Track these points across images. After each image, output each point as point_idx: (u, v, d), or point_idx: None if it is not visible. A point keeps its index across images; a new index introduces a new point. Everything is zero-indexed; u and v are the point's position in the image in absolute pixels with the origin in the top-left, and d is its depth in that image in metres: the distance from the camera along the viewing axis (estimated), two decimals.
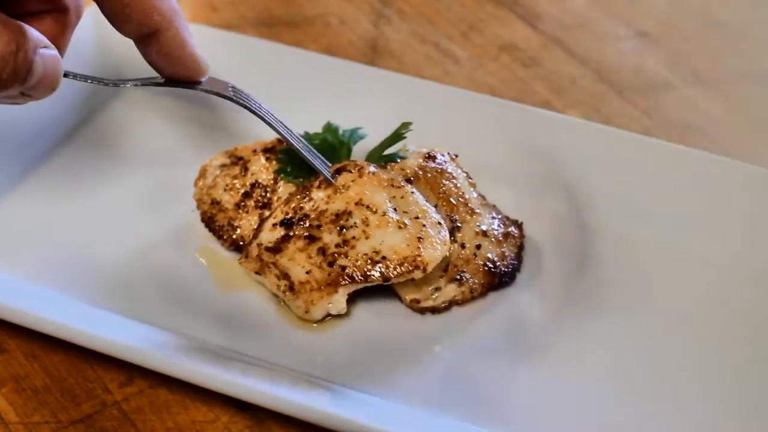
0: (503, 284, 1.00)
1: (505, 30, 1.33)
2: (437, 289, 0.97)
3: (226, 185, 1.04)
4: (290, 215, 0.96)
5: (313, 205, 0.96)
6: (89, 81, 0.93)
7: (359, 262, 0.93)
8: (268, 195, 1.02)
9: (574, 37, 1.32)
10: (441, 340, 0.95)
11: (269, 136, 1.07)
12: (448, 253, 0.95)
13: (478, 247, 1.00)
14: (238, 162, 1.05)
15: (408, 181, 0.99)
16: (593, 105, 1.23)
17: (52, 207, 1.05)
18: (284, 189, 1.02)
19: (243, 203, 1.02)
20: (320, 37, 1.30)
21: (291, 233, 0.95)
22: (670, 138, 1.18)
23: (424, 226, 0.94)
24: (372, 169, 0.97)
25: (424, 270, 0.93)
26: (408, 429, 0.85)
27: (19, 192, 1.06)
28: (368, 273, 0.92)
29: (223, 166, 1.06)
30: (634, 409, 0.91)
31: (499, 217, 1.03)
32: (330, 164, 1.00)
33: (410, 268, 0.93)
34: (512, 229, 1.03)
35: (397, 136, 1.02)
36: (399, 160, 1.01)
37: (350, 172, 0.97)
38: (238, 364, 0.90)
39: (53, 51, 0.85)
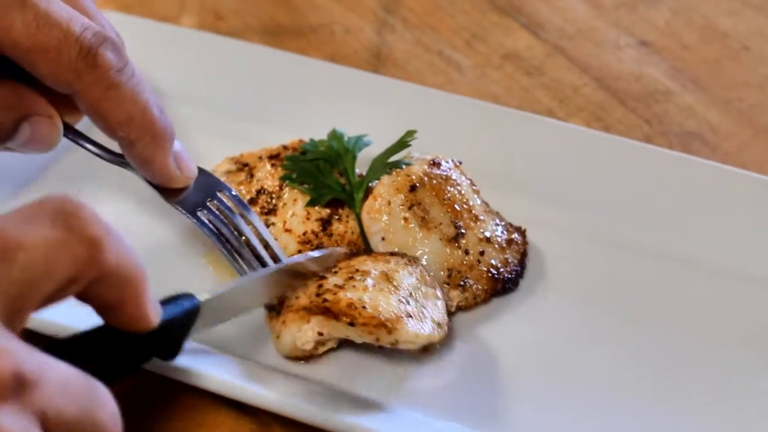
0: (507, 290, 1.01)
1: (508, 39, 1.34)
2: None
3: None
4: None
5: (349, 262, 0.96)
6: (93, 152, 0.98)
7: (341, 303, 0.90)
8: (273, 201, 1.03)
9: (577, 46, 1.33)
10: (445, 345, 0.96)
11: (274, 143, 1.08)
12: (427, 341, 0.91)
13: (482, 253, 1.00)
14: (244, 168, 1.06)
15: (413, 187, 1.00)
16: (595, 113, 1.23)
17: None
18: (289, 195, 1.03)
19: None
20: (324, 45, 1.31)
21: None
22: (671, 146, 1.19)
23: (423, 315, 0.92)
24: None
25: (390, 332, 0.89)
26: None
27: (25, 196, 1.07)
28: (341, 311, 0.90)
29: (229, 172, 1.06)
30: (638, 414, 0.92)
31: (503, 223, 1.04)
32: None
33: (379, 323, 0.89)
34: (515, 235, 1.04)
35: (401, 144, 1.03)
36: (404, 167, 1.02)
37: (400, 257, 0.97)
38: (242, 368, 0.91)
39: (48, 117, 0.92)
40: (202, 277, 1.01)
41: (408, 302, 0.92)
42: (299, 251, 1.00)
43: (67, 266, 0.68)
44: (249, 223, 0.99)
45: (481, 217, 1.02)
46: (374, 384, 0.92)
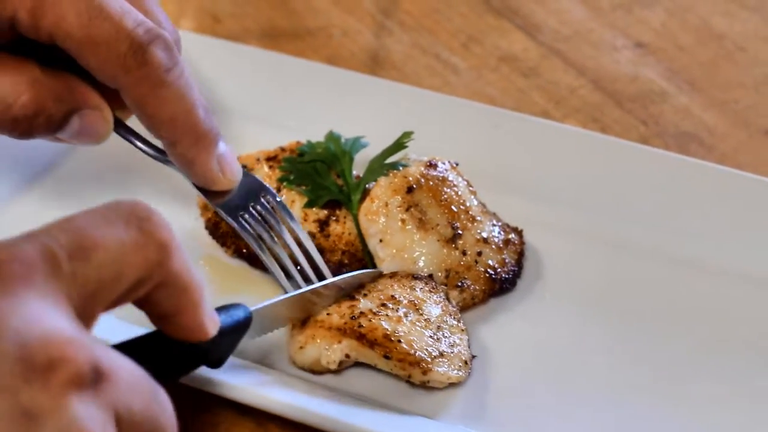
0: (504, 290, 1.01)
1: (504, 41, 1.34)
2: None
3: None
4: None
5: (375, 284, 0.97)
6: (141, 149, 0.97)
7: (377, 331, 0.91)
8: None
9: (573, 48, 1.33)
10: None
11: (272, 145, 1.08)
12: (455, 381, 0.92)
13: (479, 254, 1.01)
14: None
15: (410, 189, 1.01)
16: (591, 114, 1.24)
17: (55, 217, 1.06)
18: (287, 197, 1.03)
19: None
20: (322, 48, 1.32)
21: None
22: (667, 147, 1.19)
23: (453, 353, 0.93)
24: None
25: (424, 373, 0.91)
26: None
27: (21, 203, 1.07)
28: (378, 342, 0.91)
29: None
30: (636, 414, 0.92)
31: (500, 224, 1.04)
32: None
33: (414, 361, 0.90)
34: (512, 236, 1.04)
35: (398, 146, 1.04)
36: (401, 168, 1.02)
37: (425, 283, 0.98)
38: (240, 369, 0.91)
39: (99, 111, 0.92)
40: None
41: (439, 339, 0.93)
42: None
43: (138, 268, 0.69)
44: (291, 230, 0.99)
45: (478, 218, 1.03)
46: (372, 385, 0.93)
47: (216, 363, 0.84)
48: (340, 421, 0.85)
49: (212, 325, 0.77)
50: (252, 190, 0.99)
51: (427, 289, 0.96)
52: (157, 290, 0.72)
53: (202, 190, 0.97)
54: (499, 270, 1.01)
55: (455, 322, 0.95)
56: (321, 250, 1.01)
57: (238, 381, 0.87)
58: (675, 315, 1.01)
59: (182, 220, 1.05)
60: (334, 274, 0.99)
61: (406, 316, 0.93)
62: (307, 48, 1.31)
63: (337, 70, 1.21)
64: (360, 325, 0.91)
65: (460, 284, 0.99)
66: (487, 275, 1.01)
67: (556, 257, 1.05)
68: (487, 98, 1.25)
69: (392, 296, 0.94)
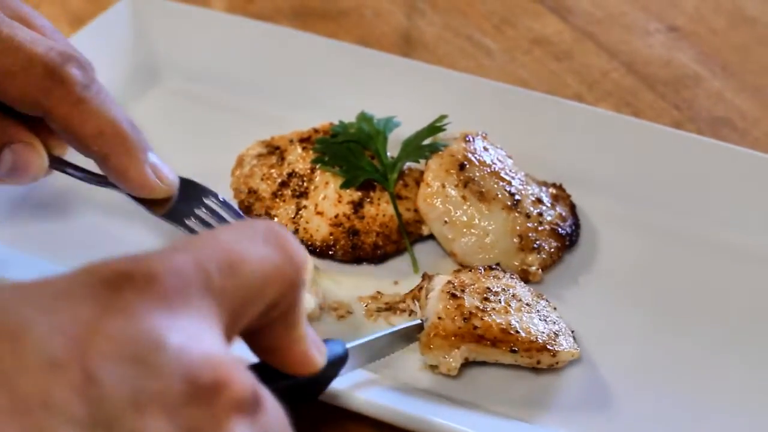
0: (572, 244, 1.03)
1: (537, 23, 1.34)
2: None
3: (263, 174, 1.05)
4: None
5: (470, 278, 0.94)
6: (79, 177, 0.96)
7: (493, 329, 0.90)
8: (304, 184, 1.03)
9: (606, 31, 1.33)
10: None
11: (305, 126, 1.08)
12: (577, 356, 0.92)
13: (540, 214, 1.01)
14: (275, 151, 1.07)
15: (462, 166, 1.00)
16: (624, 98, 1.24)
17: (86, 194, 1.06)
18: (321, 178, 1.03)
19: (280, 192, 1.03)
20: (354, 29, 1.31)
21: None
22: (700, 131, 1.19)
23: (563, 330, 0.92)
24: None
25: (554, 355, 0.90)
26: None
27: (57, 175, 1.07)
28: (498, 339, 0.90)
29: (260, 155, 1.07)
30: (669, 400, 0.92)
31: (541, 182, 1.06)
32: None
33: (542, 347, 0.90)
34: (553, 190, 1.06)
35: (434, 128, 1.04)
36: (443, 149, 1.02)
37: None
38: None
39: (30, 144, 0.92)
40: None
41: (545, 320, 0.92)
42: (330, 234, 1.01)
43: (277, 287, 0.66)
44: None
45: (524, 180, 1.03)
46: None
47: (312, 397, 0.80)
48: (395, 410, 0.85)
49: (320, 356, 0.74)
50: (194, 194, 0.98)
51: (506, 274, 0.96)
52: (278, 317, 0.68)
53: (144, 204, 0.96)
54: (562, 225, 1.02)
55: (544, 301, 0.95)
56: (355, 232, 1.01)
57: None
58: (704, 301, 1.00)
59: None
60: (369, 257, 1.00)
61: (509, 305, 0.92)
62: (338, 28, 1.31)
63: (368, 51, 1.21)
64: (474, 327, 0.90)
65: (535, 246, 1.00)
66: (555, 231, 1.02)
67: (585, 240, 1.05)
68: (519, 81, 1.25)
69: (487, 288, 0.93)
